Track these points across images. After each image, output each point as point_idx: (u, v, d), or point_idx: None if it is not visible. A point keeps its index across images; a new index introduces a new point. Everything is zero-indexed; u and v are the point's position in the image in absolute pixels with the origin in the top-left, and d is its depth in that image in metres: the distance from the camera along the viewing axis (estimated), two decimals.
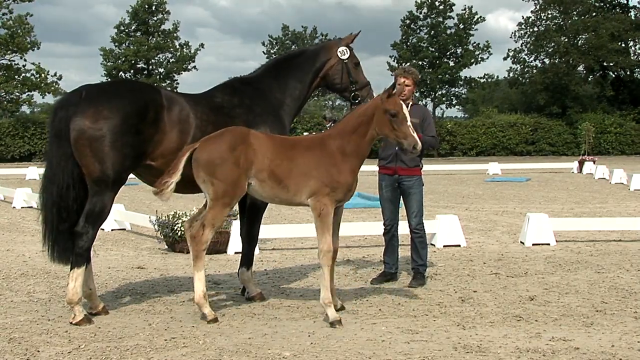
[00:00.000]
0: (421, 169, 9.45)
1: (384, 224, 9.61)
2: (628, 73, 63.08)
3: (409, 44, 61.83)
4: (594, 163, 33.47)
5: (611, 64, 61.71)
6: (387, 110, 7.39)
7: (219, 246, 11.78)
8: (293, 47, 64.98)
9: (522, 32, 62.19)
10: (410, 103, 9.22)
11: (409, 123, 7.44)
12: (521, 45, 62.02)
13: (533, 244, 12.36)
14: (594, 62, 59.65)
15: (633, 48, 62.89)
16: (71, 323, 7.34)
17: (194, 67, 58.08)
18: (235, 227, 11.37)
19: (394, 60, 62.13)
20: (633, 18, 61.00)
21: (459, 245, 12.35)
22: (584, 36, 59.90)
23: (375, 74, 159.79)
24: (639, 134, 55.34)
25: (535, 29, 61.81)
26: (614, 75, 63.86)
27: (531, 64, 62.13)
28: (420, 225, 9.45)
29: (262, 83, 8.70)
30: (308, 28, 66.52)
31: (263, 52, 65.85)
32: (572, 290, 8.91)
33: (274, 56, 61.14)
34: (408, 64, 61.16)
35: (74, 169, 7.50)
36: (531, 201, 20.07)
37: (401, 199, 9.53)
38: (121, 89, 8.01)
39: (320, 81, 8.96)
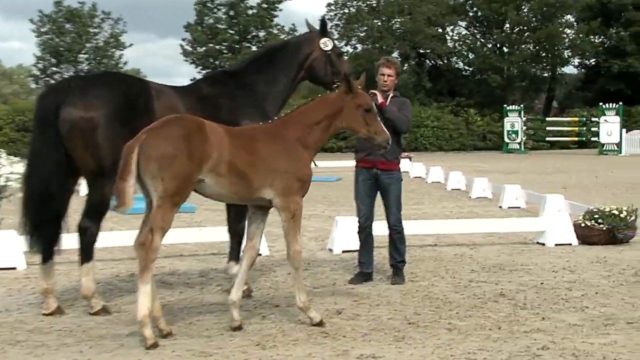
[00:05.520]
0: (399, 162, 10.29)
1: (359, 221, 10.31)
2: (445, 61, 66.19)
3: (204, 25, 61.72)
4: (410, 160, 34.74)
5: (428, 51, 64.47)
6: (360, 105, 8.08)
7: None
8: (68, 25, 63.20)
9: (331, 14, 63.62)
10: (392, 94, 10.31)
11: (379, 119, 8.30)
12: (330, 29, 63.34)
13: (343, 251, 12.65)
14: (410, 48, 62.08)
15: (450, 34, 66.12)
16: (90, 313, 8.60)
17: None
18: None
19: (187, 44, 61.81)
20: (450, 2, 64.06)
21: (260, 255, 12.43)
22: (399, 20, 62.13)
23: (164, 58, 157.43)
24: (457, 128, 57.90)
25: (347, 10, 63.45)
26: (430, 64, 66.76)
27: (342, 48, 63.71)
28: (399, 221, 10.37)
29: (247, 75, 9.72)
30: (86, 4, 64.71)
31: (32, 30, 63.50)
32: (383, 302, 9.22)
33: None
34: (205, 48, 61.09)
35: (59, 157, 8.39)
36: (342, 203, 20.56)
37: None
38: (110, 79, 9.12)
39: (305, 74, 9.99)
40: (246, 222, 8.49)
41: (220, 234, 11.63)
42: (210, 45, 61.59)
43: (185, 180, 7.35)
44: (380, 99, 10.00)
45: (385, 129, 8.28)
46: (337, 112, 8.17)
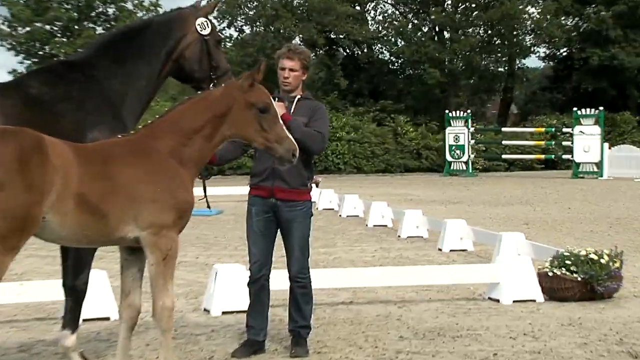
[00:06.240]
0: (311, 190, 10.28)
1: (250, 269, 10.23)
2: (365, 51, 66.66)
3: None
4: (317, 186, 34.76)
5: (341, 36, 64.83)
6: (252, 104, 8.05)
7: None
8: None
9: None
10: (298, 96, 10.27)
11: (281, 122, 8.32)
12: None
13: (223, 313, 12.58)
14: (317, 32, 62.35)
15: (372, 13, 66.67)
16: None
17: None
18: None
19: (3, 22, 61.12)
20: None
21: (108, 319, 12.31)
22: None
23: None
24: (382, 142, 57.97)
25: None
26: (345, 54, 67.20)
27: (224, 33, 63.87)
28: (304, 271, 10.37)
29: (96, 68, 9.41)
30: None
31: None
32: None
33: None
34: (29, 28, 60.37)
35: None
36: (223, 245, 20.57)
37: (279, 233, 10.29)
38: None
39: (173, 66, 9.80)
40: (120, 272, 8.51)
41: (51, 291, 11.49)
42: (37, 24, 60.97)
43: (22, 219, 7.20)
44: (281, 111, 9.30)
45: (291, 136, 8.29)
46: (223, 114, 8.14)
